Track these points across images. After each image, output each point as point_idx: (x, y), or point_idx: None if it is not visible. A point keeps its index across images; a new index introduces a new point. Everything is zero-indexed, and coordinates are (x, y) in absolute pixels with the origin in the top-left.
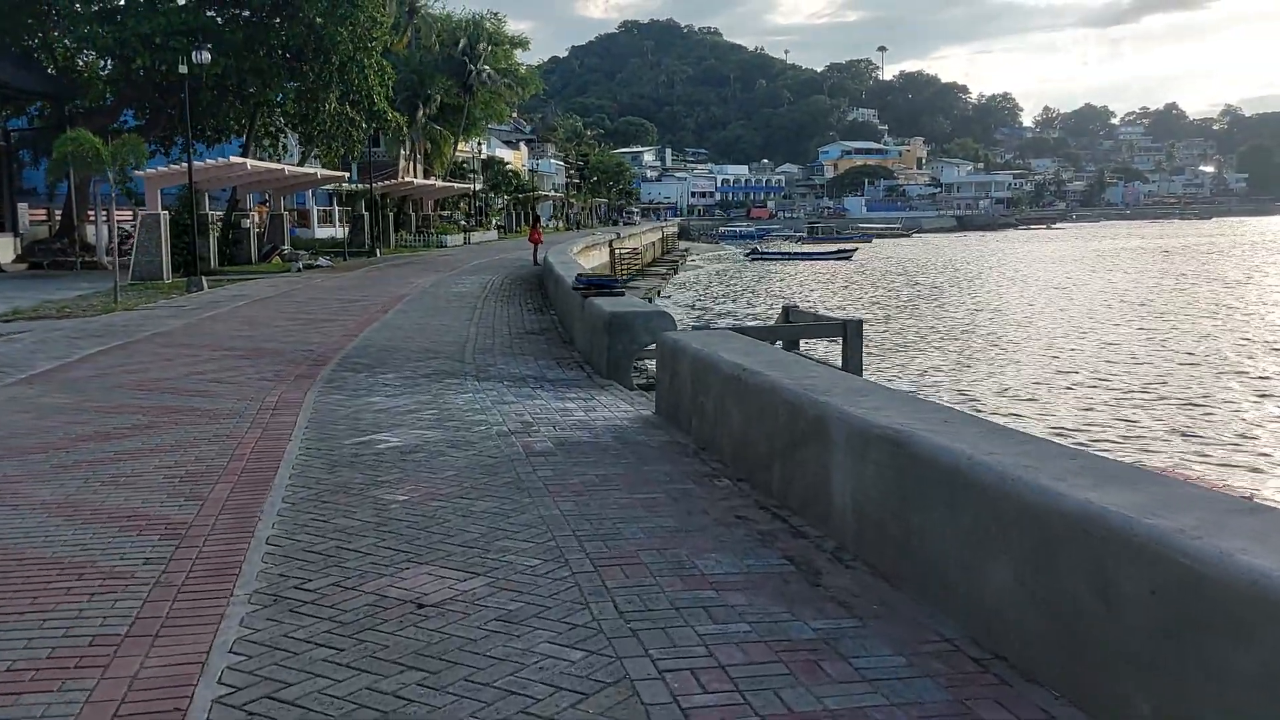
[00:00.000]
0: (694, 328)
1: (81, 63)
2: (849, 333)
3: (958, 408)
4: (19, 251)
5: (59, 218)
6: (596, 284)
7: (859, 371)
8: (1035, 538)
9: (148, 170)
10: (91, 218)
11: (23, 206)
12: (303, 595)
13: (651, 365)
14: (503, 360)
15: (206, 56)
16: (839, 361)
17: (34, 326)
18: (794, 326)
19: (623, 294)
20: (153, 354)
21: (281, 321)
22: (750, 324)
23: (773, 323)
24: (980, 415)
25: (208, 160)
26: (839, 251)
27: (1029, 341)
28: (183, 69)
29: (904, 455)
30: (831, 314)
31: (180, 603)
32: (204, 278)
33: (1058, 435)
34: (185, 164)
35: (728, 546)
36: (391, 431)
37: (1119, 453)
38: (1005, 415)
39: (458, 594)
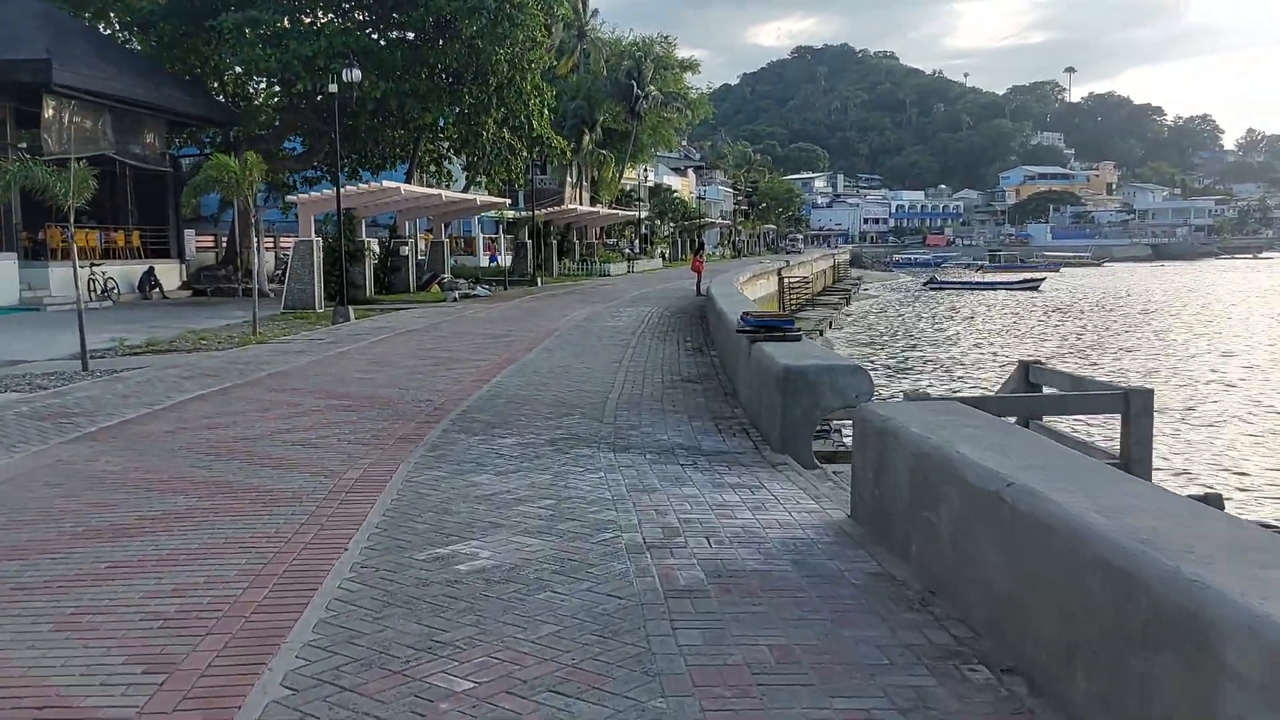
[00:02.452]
0: (907, 397)
1: (252, 89)
2: (1133, 408)
3: None
4: (185, 278)
5: (225, 244)
6: (766, 325)
7: (1148, 467)
8: None
9: (300, 195)
10: (255, 245)
11: (189, 233)
12: None
13: (841, 428)
14: (650, 419)
15: (357, 74)
16: (1107, 444)
17: (153, 362)
18: (1046, 398)
19: (799, 338)
20: (253, 401)
21: (412, 360)
22: (981, 394)
23: (1006, 384)
24: None
25: (360, 185)
26: (1025, 281)
27: None
28: (333, 88)
29: None
30: (1087, 376)
31: None
32: (351, 308)
33: None
34: (348, 190)
35: None
36: (485, 538)
37: None
38: None
39: None
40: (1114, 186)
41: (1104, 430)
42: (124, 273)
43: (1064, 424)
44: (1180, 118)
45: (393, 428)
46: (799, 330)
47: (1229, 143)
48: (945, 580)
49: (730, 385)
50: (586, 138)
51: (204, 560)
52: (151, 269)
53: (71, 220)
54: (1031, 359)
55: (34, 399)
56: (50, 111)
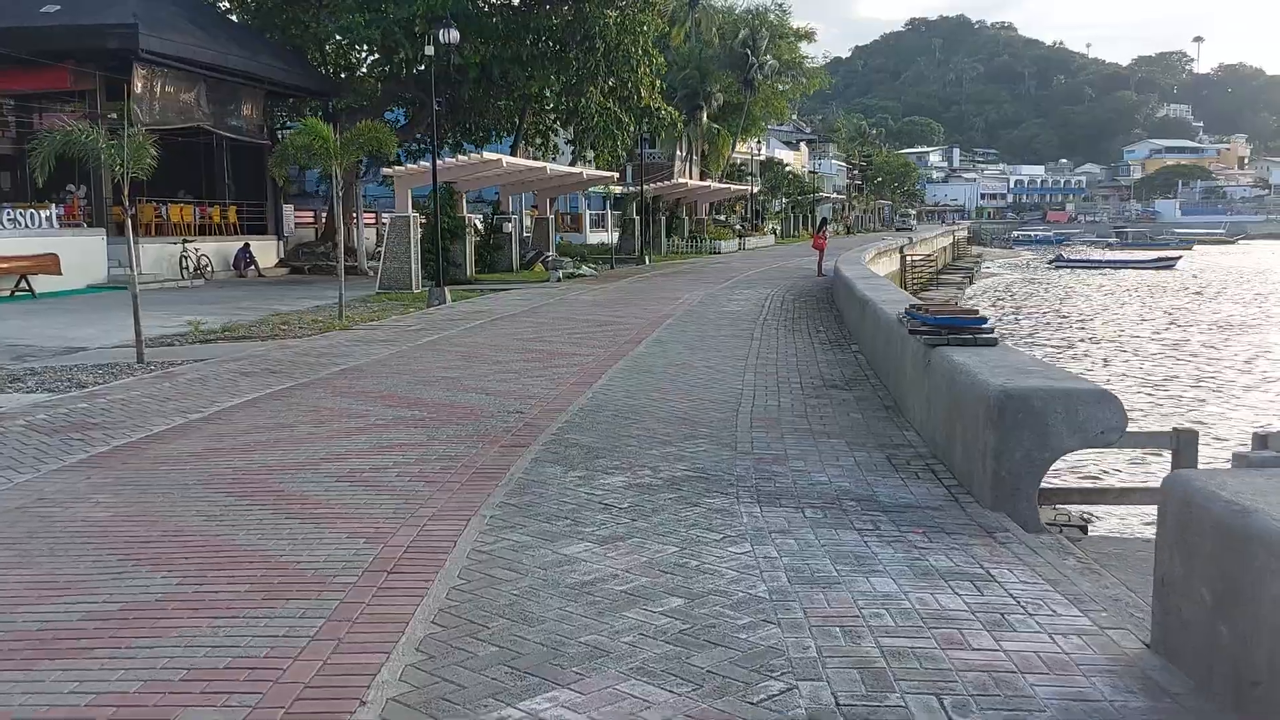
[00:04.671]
0: (1246, 462)
1: (354, 59)
2: None
3: None
4: (282, 255)
5: (324, 220)
6: (950, 324)
7: None
8: None
9: (395, 168)
10: (355, 220)
11: (288, 209)
12: None
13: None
14: (797, 446)
15: (455, 35)
16: None
17: (221, 352)
18: None
19: (995, 341)
20: (310, 410)
21: (506, 354)
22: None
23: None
24: None
25: (460, 157)
26: (1160, 260)
27: None
28: (428, 50)
29: None
30: None
31: None
32: (448, 289)
33: None
34: (445, 162)
35: None
36: (580, 685)
37: None
38: None
39: None
40: (1246, 161)
41: None
42: (219, 250)
43: None
44: None
45: (469, 453)
46: (994, 330)
47: None
48: None
49: (887, 393)
50: (704, 113)
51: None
52: (247, 246)
53: (126, 193)
54: None
55: (61, 402)
56: (141, 81)
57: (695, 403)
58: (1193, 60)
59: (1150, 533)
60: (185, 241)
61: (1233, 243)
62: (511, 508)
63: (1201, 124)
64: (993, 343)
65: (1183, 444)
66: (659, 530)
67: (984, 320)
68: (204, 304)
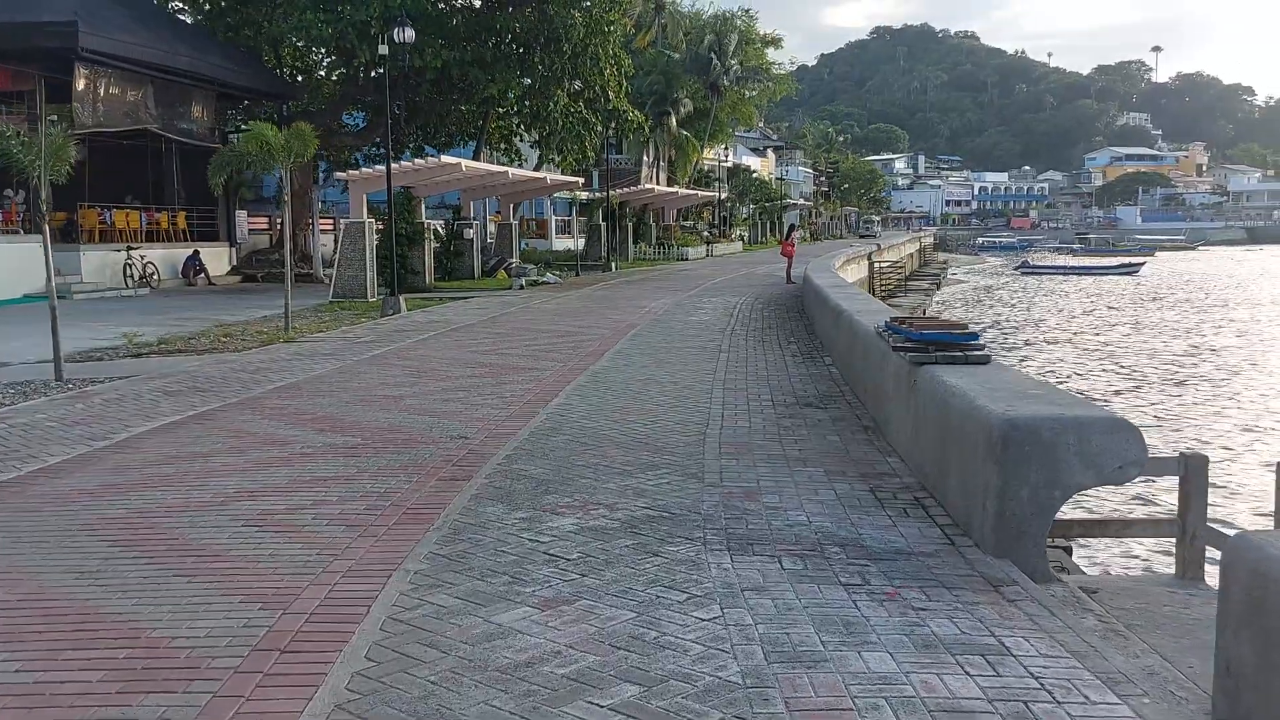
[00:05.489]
0: None
1: (311, 61)
2: None
3: None
4: (235, 263)
5: (279, 226)
6: (936, 340)
7: None
8: None
9: (350, 172)
10: (310, 226)
11: (242, 215)
12: None
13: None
14: (771, 476)
15: (411, 34)
16: None
17: (150, 368)
18: None
19: (987, 359)
20: (232, 435)
21: (458, 370)
22: None
23: None
24: None
25: (417, 161)
26: (1124, 266)
27: None
28: (383, 49)
29: None
30: None
31: None
32: (404, 298)
33: None
34: (402, 165)
35: None
36: None
37: None
38: None
39: None
40: (1204, 168)
41: None
42: (167, 257)
43: None
44: (1272, 98)
45: (402, 489)
46: (984, 347)
47: None
48: None
49: (865, 411)
50: (672, 119)
51: None
52: (196, 253)
53: (44, 196)
54: None
55: None
56: (83, 81)
57: (659, 425)
58: (1151, 69)
59: (1154, 564)
60: (130, 248)
61: (1193, 249)
62: (442, 559)
63: (1160, 132)
64: (985, 360)
65: (1191, 470)
66: (613, 589)
67: (975, 336)
68: (146, 314)
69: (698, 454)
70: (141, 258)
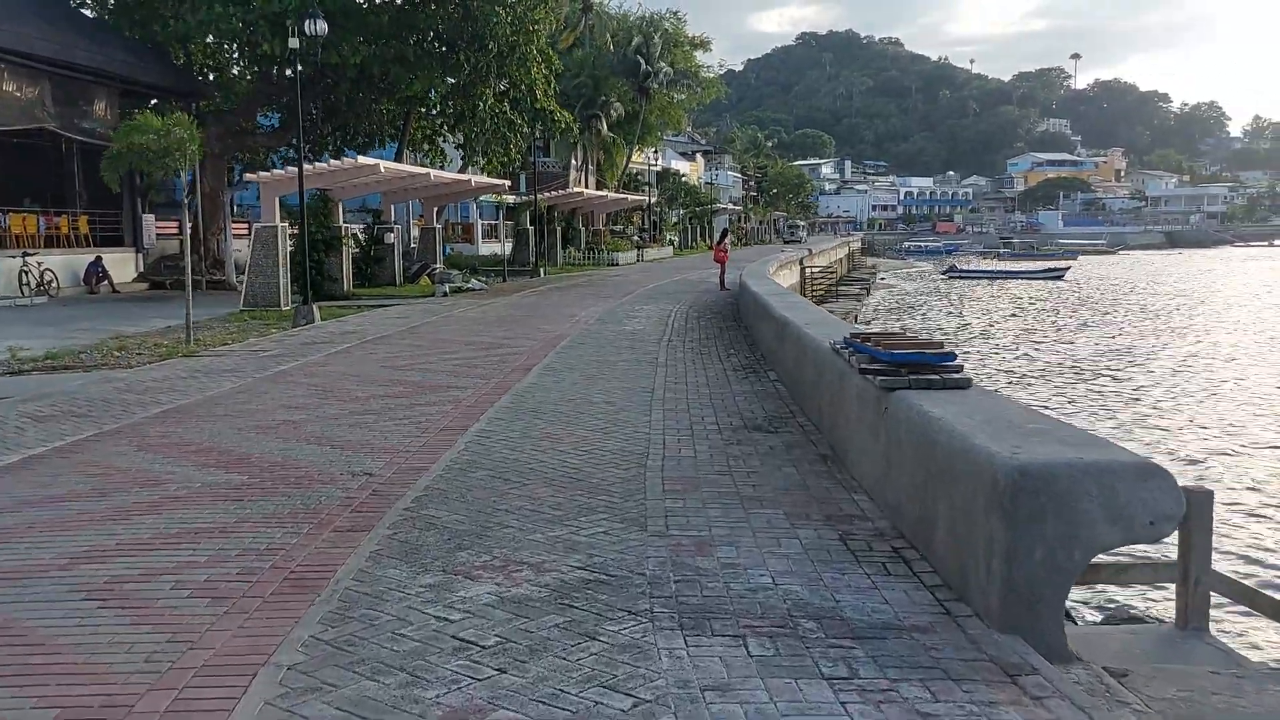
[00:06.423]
0: None
1: (222, 58)
2: None
3: None
4: (142, 269)
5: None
6: (909, 362)
7: None
8: None
9: (261, 174)
10: (222, 230)
11: (149, 218)
12: None
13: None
14: (724, 518)
15: (323, 26)
16: None
17: (24, 388)
18: None
19: (968, 382)
20: (98, 472)
21: (370, 388)
22: None
23: None
24: None
25: (333, 162)
26: (1050, 270)
27: None
28: (294, 42)
29: None
30: None
31: None
32: (318, 307)
33: None
34: (317, 167)
35: None
36: None
37: None
38: None
39: None
40: (1123, 173)
41: None
42: (66, 263)
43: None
44: (1187, 105)
45: (287, 544)
46: (962, 369)
47: (1235, 129)
48: None
49: (820, 435)
50: (602, 122)
51: None
52: (99, 259)
53: None
54: None
55: None
56: None
57: (593, 455)
58: (1070, 76)
59: (1135, 600)
60: (26, 254)
61: (1114, 253)
62: (324, 648)
63: (1080, 138)
64: (965, 384)
65: (1194, 507)
66: (539, 693)
67: (951, 356)
68: (39, 325)
69: (638, 492)
70: (39, 264)
